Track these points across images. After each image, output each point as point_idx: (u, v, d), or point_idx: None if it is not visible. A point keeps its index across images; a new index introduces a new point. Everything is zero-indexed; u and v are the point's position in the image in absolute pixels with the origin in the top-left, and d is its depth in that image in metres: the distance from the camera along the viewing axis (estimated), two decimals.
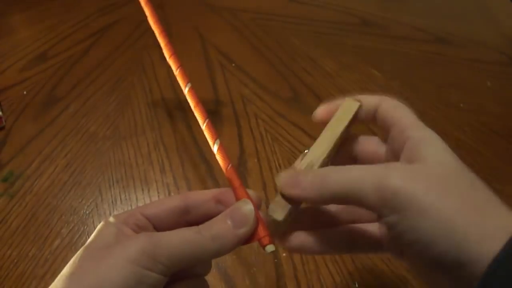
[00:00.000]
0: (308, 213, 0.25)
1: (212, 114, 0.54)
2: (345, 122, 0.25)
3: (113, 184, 0.45)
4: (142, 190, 0.45)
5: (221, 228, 0.22)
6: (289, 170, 0.22)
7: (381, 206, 0.18)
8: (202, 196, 0.23)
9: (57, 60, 0.64)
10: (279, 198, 0.23)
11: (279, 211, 0.22)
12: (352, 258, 0.38)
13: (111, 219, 0.22)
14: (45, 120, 0.53)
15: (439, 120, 0.53)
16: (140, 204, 0.43)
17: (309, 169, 0.22)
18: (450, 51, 0.65)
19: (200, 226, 0.21)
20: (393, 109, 0.23)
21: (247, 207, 0.22)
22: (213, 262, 0.38)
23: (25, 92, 0.58)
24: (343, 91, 0.57)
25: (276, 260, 0.38)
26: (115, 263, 0.19)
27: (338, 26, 0.71)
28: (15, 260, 0.39)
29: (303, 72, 0.60)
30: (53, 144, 0.50)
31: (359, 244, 0.23)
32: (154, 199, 0.44)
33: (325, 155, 0.23)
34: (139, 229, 0.22)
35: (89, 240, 0.21)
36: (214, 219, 0.22)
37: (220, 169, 0.46)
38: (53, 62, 0.63)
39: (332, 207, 0.25)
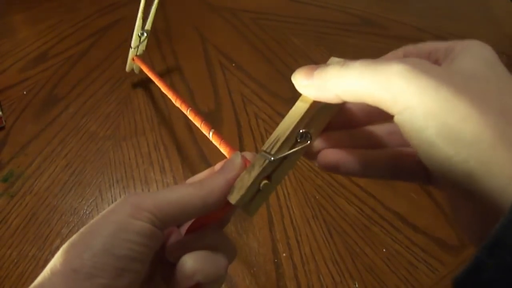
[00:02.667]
0: (349, 134, 0.23)
1: (212, 114, 0.54)
2: None
3: (113, 184, 0.45)
4: (142, 190, 0.45)
5: (209, 176, 0.22)
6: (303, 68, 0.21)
7: (386, 104, 0.16)
8: (217, 184, 0.22)
9: (57, 60, 0.64)
10: (242, 176, 0.21)
11: (234, 192, 0.21)
12: (352, 258, 0.38)
13: (127, 207, 0.20)
14: (45, 120, 0.53)
15: None
16: None
17: (323, 66, 0.20)
18: None
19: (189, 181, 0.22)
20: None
21: (236, 156, 0.22)
22: None
23: (25, 92, 0.58)
24: None
25: (276, 260, 0.38)
26: (103, 221, 0.19)
27: (338, 26, 0.71)
28: (15, 260, 0.39)
29: None
30: (53, 144, 0.50)
31: (403, 169, 0.21)
32: None
33: (291, 128, 0.21)
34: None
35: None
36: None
37: None
38: (53, 62, 0.63)
39: (377, 130, 0.22)
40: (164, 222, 0.20)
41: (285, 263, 0.38)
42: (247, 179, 0.21)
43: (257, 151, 0.48)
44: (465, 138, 0.15)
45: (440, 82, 0.16)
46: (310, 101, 0.21)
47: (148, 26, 0.53)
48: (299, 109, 0.22)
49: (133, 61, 0.53)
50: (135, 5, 0.79)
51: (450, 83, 0.16)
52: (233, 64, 0.62)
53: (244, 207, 0.21)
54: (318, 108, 0.21)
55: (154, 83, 0.59)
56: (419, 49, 0.22)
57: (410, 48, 0.22)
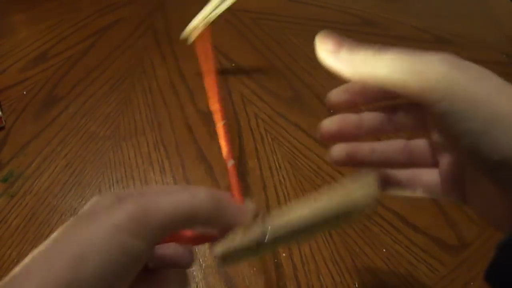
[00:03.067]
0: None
1: (212, 115, 0.54)
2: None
3: (113, 184, 0.45)
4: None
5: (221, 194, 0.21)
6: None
7: (425, 93, 0.16)
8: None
9: (57, 60, 0.64)
10: (235, 232, 0.21)
11: (221, 244, 0.21)
12: (352, 258, 0.38)
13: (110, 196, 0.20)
14: (45, 120, 0.53)
15: None
16: None
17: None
18: (450, 51, 0.65)
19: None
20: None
21: (250, 207, 0.23)
22: (213, 262, 0.38)
23: (25, 92, 0.58)
24: None
25: (276, 260, 0.38)
26: (101, 229, 0.17)
27: (338, 26, 0.71)
28: (15, 260, 0.39)
29: (303, 72, 0.60)
30: (53, 144, 0.50)
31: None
32: None
33: (306, 223, 0.20)
34: None
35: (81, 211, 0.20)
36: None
37: (220, 169, 0.46)
38: (53, 62, 0.63)
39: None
40: (162, 238, 0.18)
41: (285, 263, 0.38)
42: (237, 241, 0.21)
43: (257, 151, 0.48)
44: None
45: (485, 72, 0.16)
46: (336, 201, 0.20)
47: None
48: (323, 203, 0.20)
49: (194, 31, 0.46)
50: (135, 5, 0.79)
51: (493, 74, 0.16)
52: (233, 64, 0.62)
53: (222, 258, 0.21)
54: (339, 210, 0.20)
55: (154, 83, 0.59)
56: None
57: None
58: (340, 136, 0.23)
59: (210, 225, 0.21)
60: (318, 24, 0.71)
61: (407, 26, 0.70)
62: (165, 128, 0.52)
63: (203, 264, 0.38)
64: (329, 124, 0.23)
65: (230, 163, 0.26)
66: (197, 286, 0.36)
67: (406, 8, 0.76)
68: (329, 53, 0.20)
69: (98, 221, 0.17)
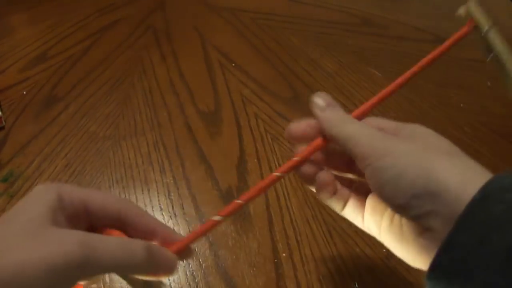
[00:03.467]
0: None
1: (212, 114, 0.54)
2: None
3: (113, 184, 0.45)
4: (142, 190, 0.45)
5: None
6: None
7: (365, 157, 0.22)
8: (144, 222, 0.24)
9: (57, 60, 0.64)
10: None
11: None
12: (352, 258, 0.38)
13: (51, 194, 0.21)
14: (45, 120, 0.53)
15: (439, 120, 0.53)
16: (140, 204, 0.43)
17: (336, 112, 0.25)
18: (450, 51, 0.65)
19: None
20: None
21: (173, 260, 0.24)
22: (213, 262, 0.38)
23: (25, 92, 0.58)
24: (343, 91, 0.57)
25: (276, 260, 0.38)
26: (45, 257, 0.18)
27: (338, 26, 0.71)
28: None
29: (303, 72, 0.60)
30: (53, 144, 0.50)
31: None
32: (154, 199, 0.44)
33: None
34: (71, 219, 0.22)
35: (21, 203, 0.21)
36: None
37: (220, 169, 0.46)
38: (53, 62, 0.63)
39: None
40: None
41: (285, 263, 0.38)
42: None
43: (257, 151, 0.48)
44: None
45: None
46: None
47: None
48: None
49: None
50: (135, 5, 0.79)
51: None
52: (233, 64, 0.62)
53: None
54: None
55: (154, 83, 0.59)
56: (375, 123, 0.27)
57: (369, 120, 0.27)
58: (304, 138, 0.27)
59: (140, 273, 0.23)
60: (318, 24, 0.71)
61: (407, 26, 0.71)
62: (165, 128, 0.52)
63: (203, 264, 0.38)
64: (297, 126, 0.27)
65: (216, 218, 0.26)
66: (197, 286, 0.36)
67: (406, 8, 0.76)
68: (318, 107, 0.26)
69: (43, 245, 0.18)
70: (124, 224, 0.24)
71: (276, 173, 0.27)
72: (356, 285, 0.36)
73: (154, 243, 0.24)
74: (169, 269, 0.23)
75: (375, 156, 0.21)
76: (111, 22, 0.72)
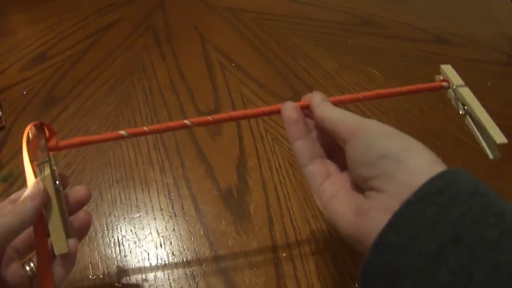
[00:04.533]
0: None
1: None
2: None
3: (113, 184, 0.45)
4: (142, 190, 0.45)
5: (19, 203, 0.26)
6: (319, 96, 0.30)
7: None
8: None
9: (57, 60, 0.64)
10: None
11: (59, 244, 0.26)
12: (352, 258, 0.38)
13: None
14: (45, 120, 0.53)
15: (439, 120, 0.52)
16: (140, 204, 0.43)
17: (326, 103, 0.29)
18: (450, 51, 0.65)
19: None
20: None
21: (37, 184, 0.27)
22: (213, 262, 0.38)
23: (24, 92, 0.57)
24: (343, 91, 0.57)
25: (276, 260, 0.38)
26: None
27: (338, 26, 0.71)
28: None
29: (303, 72, 0.60)
30: None
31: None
32: (154, 199, 0.44)
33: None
34: None
35: None
36: None
37: (220, 169, 0.46)
38: (53, 62, 0.63)
39: None
40: None
41: (285, 263, 0.38)
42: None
43: (257, 150, 0.48)
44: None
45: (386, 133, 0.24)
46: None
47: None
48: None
49: None
50: (135, 5, 0.79)
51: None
52: (233, 64, 0.62)
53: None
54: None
55: (154, 82, 0.59)
56: None
57: None
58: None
59: None
60: (318, 24, 0.71)
61: (407, 26, 0.71)
62: None
63: (203, 264, 0.38)
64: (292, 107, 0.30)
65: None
66: (197, 286, 0.36)
67: (406, 8, 0.76)
68: (318, 101, 0.29)
69: None
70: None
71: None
72: (356, 285, 0.36)
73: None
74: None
75: (351, 135, 0.25)
76: (111, 22, 0.72)
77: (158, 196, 0.44)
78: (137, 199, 0.44)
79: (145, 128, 0.30)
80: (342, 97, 0.31)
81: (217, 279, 0.37)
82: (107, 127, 0.52)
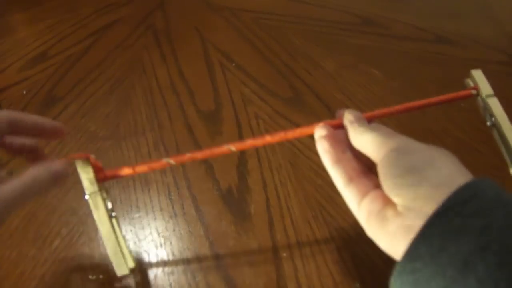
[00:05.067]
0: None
1: (212, 114, 0.54)
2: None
3: (113, 184, 0.45)
4: (142, 190, 0.45)
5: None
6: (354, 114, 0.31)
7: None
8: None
9: (57, 59, 0.64)
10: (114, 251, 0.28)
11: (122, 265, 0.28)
12: (352, 258, 0.38)
13: None
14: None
15: (439, 120, 0.52)
16: (140, 204, 0.43)
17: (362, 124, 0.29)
18: (450, 51, 0.65)
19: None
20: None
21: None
22: (214, 262, 0.38)
23: (24, 92, 0.57)
24: (344, 91, 0.57)
25: (276, 260, 0.38)
26: None
27: (339, 25, 0.71)
28: (15, 260, 0.39)
29: (304, 72, 0.60)
30: (53, 144, 0.50)
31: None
32: (155, 199, 0.44)
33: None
34: None
35: None
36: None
37: (221, 169, 0.46)
38: (53, 62, 0.63)
39: None
40: None
41: (285, 263, 0.38)
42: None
43: (257, 150, 0.48)
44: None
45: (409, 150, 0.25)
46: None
47: None
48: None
49: None
50: (135, 5, 0.79)
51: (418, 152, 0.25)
52: (233, 64, 0.62)
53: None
54: None
55: (154, 82, 0.59)
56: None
57: None
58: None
59: None
60: (318, 24, 0.71)
61: (407, 25, 0.70)
62: (165, 128, 0.52)
63: (204, 264, 0.38)
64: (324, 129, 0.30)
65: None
66: (197, 286, 0.36)
67: (406, 8, 0.76)
68: (350, 122, 0.30)
69: None
70: (18, 128, 0.28)
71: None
72: (357, 285, 0.36)
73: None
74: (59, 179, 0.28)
75: (380, 154, 0.26)
76: (111, 22, 0.72)
77: (158, 196, 0.44)
78: (137, 199, 0.44)
79: (188, 154, 0.30)
80: (375, 113, 0.32)
81: (217, 279, 0.37)
82: (107, 127, 0.52)
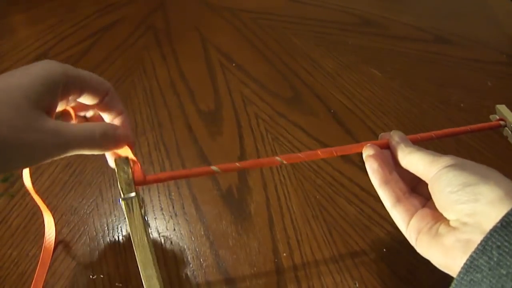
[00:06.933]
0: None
1: (212, 114, 0.54)
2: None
3: (114, 184, 0.45)
4: (143, 190, 0.45)
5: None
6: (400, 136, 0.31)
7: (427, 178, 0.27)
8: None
9: (57, 60, 0.63)
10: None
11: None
12: (352, 258, 0.38)
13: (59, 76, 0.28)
14: None
15: (439, 120, 0.53)
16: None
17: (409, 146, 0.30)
18: (450, 51, 0.65)
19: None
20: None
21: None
22: (214, 262, 0.38)
23: None
24: (344, 91, 0.57)
25: (276, 260, 0.38)
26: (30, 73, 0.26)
27: (339, 25, 0.71)
28: (16, 260, 0.39)
29: (303, 72, 0.60)
30: None
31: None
32: (155, 199, 0.44)
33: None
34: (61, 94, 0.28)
35: (31, 70, 0.27)
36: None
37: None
38: None
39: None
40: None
41: (285, 263, 0.38)
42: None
43: (257, 150, 0.48)
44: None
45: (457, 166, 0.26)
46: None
47: None
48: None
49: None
50: (135, 5, 0.79)
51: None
52: (233, 64, 0.62)
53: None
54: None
55: (154, 82, 0.59)
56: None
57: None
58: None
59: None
60: (318, 24, 0.71)
61: (407, 26, 0.71)
62: (166, 127, 0.52)
63: (204, 264, 0.38)
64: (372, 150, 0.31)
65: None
66: (197, 286, 0.36)
67: (406, 8, 0.76)
68: (397, 142, 0.30)
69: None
70: (85, 88, 0.29)
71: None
72: (357, 285, 0.36)
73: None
74: (121, 143, 0.30)
75: (432, 172, 0.26)
76: (111, 22, 0.72)
77: (158, 196, 0.44)
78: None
79: (237, 163, 0.29)
80: (418, 136, 0.33)
81: (218, 279, 0.37)
82: None
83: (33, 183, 0.46)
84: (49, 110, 0.25)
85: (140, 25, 0.71)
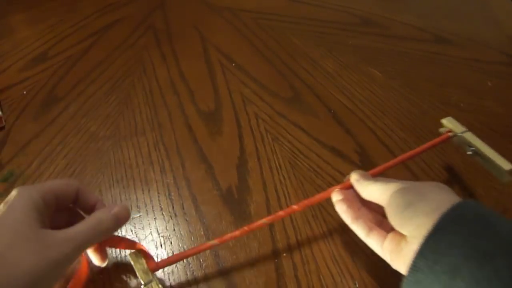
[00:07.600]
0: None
1: (212, 114, 0.54)
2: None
3: (113, 184, 0.45)
4: (142, 190, 0.45)
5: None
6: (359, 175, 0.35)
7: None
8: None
9: (57, 60, 0.64)
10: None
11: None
12: (352, 258, 0.38)
13: (36, 198, 0.28)
14: (45, 120, 0.53)
15: (439, 120, 0.52)
16: (141, 204, 0.43)
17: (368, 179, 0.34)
18: (450, 51, 0.65)
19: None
20: None
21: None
22: (214, 261, 0.38)
23: (25, 92, 0.58)
24: (344, 91, 0.57)
25: (276, 260, 0.38)
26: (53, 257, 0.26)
27: (339, 25, 0.71)
28: None
29: (303, 72, 0.60)
30: (53, 144, 0.50)
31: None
32: (155, 199, 0.44)
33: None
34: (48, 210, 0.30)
35: (7, 207, 0.27)
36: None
37: (221, 169, 0.46)
38: (53, 62, 0.63)
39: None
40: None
41: (285, 263, 0.38)
42: None
43: (257, 150, 0.48)
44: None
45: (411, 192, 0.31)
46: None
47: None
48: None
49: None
50: (135, 5, 0.79)
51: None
52: (233, 64, 0.62)
53: None
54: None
55: (154, 82, 0.59)
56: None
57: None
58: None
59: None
60: (318, 24, 0.71)
61: (407, 26, 0.71)
62: (165, 128, 0.52)
63: (204, 264, 0.38)
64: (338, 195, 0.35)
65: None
66: (197, 286, 0.36)
67: (406, 8, 0.76)
68: (356, 180, 0.35)
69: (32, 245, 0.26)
70: (77, 199, 0.32)
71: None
72: (357, 285, 0.36)
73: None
74: (125, 219, 0.32)
75: (385, 198, 0.31)
76: (111, 22, 0.72)
77: (158, 196, 0.44)
78: (137, 199, 0.44)
79: (228, 234, 0.36)
80: (376, 169, 0.37)
81: (218, 279, 0.37)
82: (107, 127, 0.52)
83: (32, 184, 0.46)
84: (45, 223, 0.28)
85: (140, 25, 0.71)
